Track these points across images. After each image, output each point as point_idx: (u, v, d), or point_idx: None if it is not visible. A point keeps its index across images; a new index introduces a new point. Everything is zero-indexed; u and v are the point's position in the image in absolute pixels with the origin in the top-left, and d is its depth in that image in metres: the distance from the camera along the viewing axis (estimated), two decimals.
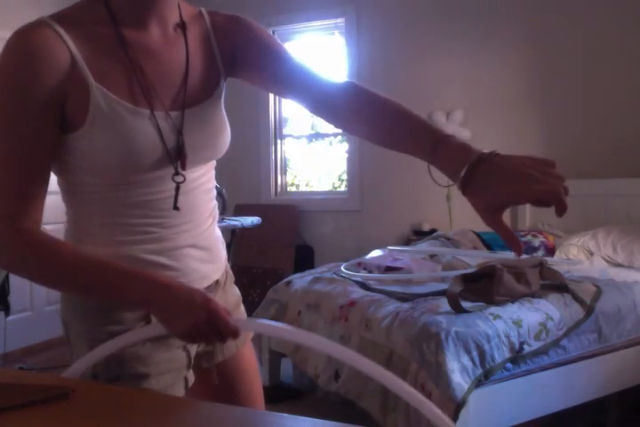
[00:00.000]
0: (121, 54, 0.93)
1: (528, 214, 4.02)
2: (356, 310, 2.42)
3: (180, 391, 1.03)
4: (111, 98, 0.91)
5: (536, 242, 3.55)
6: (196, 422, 0.81)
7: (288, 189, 5.04)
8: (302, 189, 5.10)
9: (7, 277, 3.38)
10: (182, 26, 1.00)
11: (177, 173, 0.97)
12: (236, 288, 1.19)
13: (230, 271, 1.17)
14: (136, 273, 0.90)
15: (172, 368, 1.02)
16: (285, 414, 0.79)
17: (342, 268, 2.86)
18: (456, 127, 4.25)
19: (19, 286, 3.80)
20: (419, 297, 2.38)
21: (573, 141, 3.91)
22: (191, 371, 1.07)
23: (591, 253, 3.31)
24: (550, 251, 3.51)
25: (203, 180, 1.05)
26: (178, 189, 0.98)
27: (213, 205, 1.09)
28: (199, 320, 0.86)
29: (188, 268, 1.02)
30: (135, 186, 0.96)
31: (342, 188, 4.87)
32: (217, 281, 1.10)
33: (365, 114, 1.01)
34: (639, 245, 3.14)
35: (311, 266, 4.20)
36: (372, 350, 2.23)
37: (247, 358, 1.18)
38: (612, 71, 3.82)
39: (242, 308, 1.19)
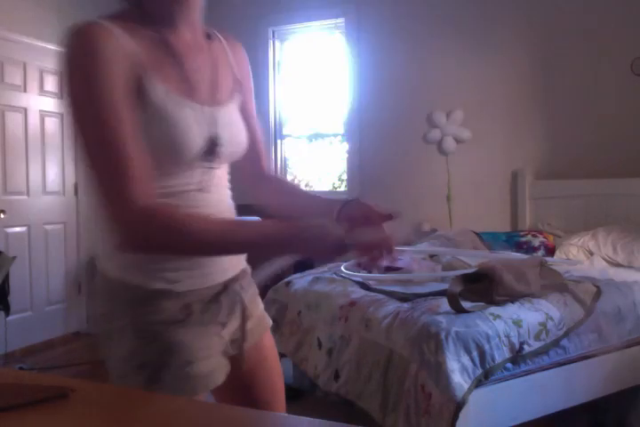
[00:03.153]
0: (164, 53, 1.01)
1: (528, 214, 4.02)
2: (356, 310, 2.41)
3: (221, 377, 1.08)
4: (165, 91, 0.98)
5: (536, 242, 3.55)
6: (195, 421, 0.81)
7: None
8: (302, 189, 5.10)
9: (7, 277, 3.37)
10: (208, 35, 1.12)
11: (210, 163, 1.05)
12: (254, 282, 1.26)
13: (247, 265, 1.24)
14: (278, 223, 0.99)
15: (213, 354, 1.08)
16: (285, 414, 0.79)
17: (342, 268, 2.86)
18: (456, 127, 4.25)
19: (19, 285, 3.81)
20: (419, 297, 2.38)
21: (573, 141, 3.91)
22: (229, 358, 1.13)
23: (591, 253, 3.31)
24: (550, 251, 3.51)
25: (226, 177, 1.15)
26: (210, 176, 1.06)
27: (231, 201, 1.17)
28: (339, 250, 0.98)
29: (222, 257, 1.09)
30: (170, 177, 1.02)
31: (342, 188, 4.87)
32: (243, 270, 1.19)
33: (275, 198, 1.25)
34: (639, 245, 3.14)
35: (311, 266, 4.20)
36: (372, 350, 2.23)
37: (268, 345, 1.25)
38: (612, 71, 3.82)
39: (259, 299, 1.26)
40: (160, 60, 1.00)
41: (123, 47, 0.95)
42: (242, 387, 1.19)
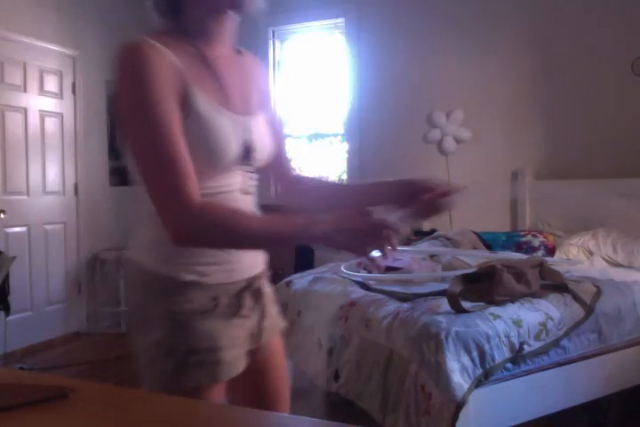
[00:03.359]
0: (202, 65, 1.11)
1: (528, 214, 4.02)
2: (356, 310, 2.42)
3: (242, 365, 1.16)
4: (205, 101, 1.08)
5: (536, 242, 3.55)
6: (195, 421, 0.81)
7: None
8: None
9: (7, 277, 3.38)
10: (238, 51, 1.23)
11: (247, 164, 1.16)
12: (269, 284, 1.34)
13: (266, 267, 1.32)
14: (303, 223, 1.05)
15: (237, 344, 1.16)
16: (285, 414, 0.79)
17: (342, 268, 2.86)
18: (456, 127, 4.25)
19: (19, 285, 3.81)
20: (419, 297, 2.38)
21: (573, 142, 3.91)
22: (247, 350, 1.20)
23: (591, 253, 3.31)
24: (550, 251, 3.51)
25: (255, 184, 1.24)
26: (248, 179, 1.18)
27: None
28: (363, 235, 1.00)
29: (246, 255, 1.19)
30: (215, 179, 1.11)
31: None
32: (263, 270, 1.27)
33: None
34: (639, 245, 3.14)
35: (311, 266, 4.20)
36: (372, 350, 2.23)
37: (278, 345, 1.33)
38: (612, 71, 3.82)
39: (274, 299, 1.35)
40: (199, 72, 1.09)
41: (168, 61, 1.04)
42: (250, 384, 1.26)
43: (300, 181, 1.37)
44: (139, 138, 1.03)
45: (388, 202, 1.18)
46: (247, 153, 1.14)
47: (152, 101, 1.01)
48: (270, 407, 1.27)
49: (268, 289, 1.30)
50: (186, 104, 1.05)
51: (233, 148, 1.10)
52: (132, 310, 1.17)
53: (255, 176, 1.22)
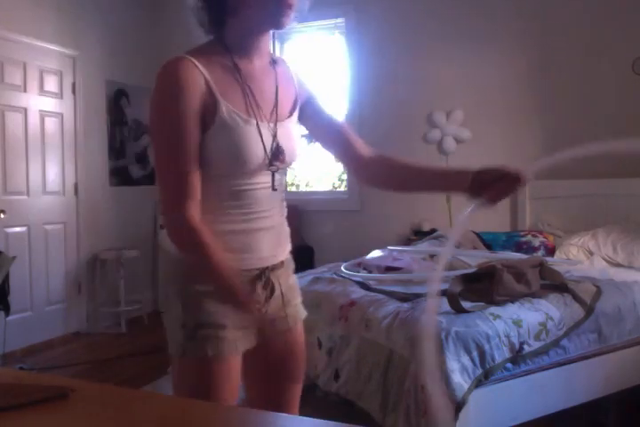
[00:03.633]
0: (235, 78, 1.25)
1: (528, 214, 4.02)
2: (356, 310, 2.42)
3: (246, 344, 1.29)
4: (232, 110, 1.22)
5: (536, 242, 3.55)
6: (196, 421, 0.81)
7: (288, 189, 5.04)
8: (302, 189, 5.10)
9: (7, 277, 3.38)
10: (273, 62, 1.35)
11: (273, 166, 1.28)
12: (294, 276, 1.44)
13: (291, 259, 1.42)
14: (233, 280, 1.21)
15: (244, 326, 1.27)
16: (285, 414, 0.79)
17: (342, 268, 2.86)
18: (456, 127, 4.25)
19: (19, 285, 3.81)
20: (419, 297, 2.38)
21: (573, 141, 3.90)
22: (256, 333, 1.32)
23: (591, 253, 3.31)
24: (550, 251, 3.51)
25: (283, 183, 1.36)
26: (276, 178, 1.30)
27: (285, 204, 1.39)
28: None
29: (261, 248, 1.30)
30: (249, 177, 1.25)
31: (342, 188, 4.87)
32: (282, 262, 1.37)
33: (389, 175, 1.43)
34: (639, 245, 3.14)
35: (311, 266, 4.20)
36: (372, 350, 2.23)
37: (300, 332, 1.43)
38: (612, 71, 3.82)
39: (298, 291, 1.45)
40: (232, 84, 1.24)
41: (200, 77, 1.18)
42: (268, 369, 1.37)
43: (375, 162, 1.42)
44: (158, 151, 1.21)
45: (460, 190, 1.24)
46: (275, 157, 1.27)
47: (176, 121, 1.16)
48: (283, 395, 1.40)
49: (290, 281, 1.40)
50: (213, 115, 1.18)
51: (257, 154, 1.23)
52: (160, 287, 1.32)
53: (283, 174, 1.35)
